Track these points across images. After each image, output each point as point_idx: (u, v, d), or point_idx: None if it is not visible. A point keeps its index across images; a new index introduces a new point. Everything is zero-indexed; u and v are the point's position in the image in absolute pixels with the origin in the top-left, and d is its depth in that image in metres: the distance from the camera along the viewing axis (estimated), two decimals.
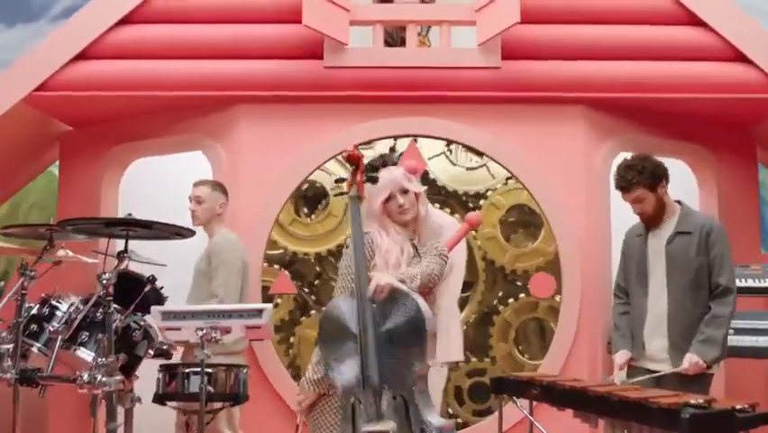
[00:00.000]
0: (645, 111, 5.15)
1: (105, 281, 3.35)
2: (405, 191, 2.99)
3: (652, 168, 3.69)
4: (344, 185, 2.98)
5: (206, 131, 5.15)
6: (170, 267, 4.25)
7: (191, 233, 3.85)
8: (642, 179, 3.66)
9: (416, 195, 3.02)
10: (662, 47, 5.04)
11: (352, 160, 2.96)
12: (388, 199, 2.99)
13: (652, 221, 3.74)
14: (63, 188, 5.58)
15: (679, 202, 3.80)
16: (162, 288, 3.88)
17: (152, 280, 3.69)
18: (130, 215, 3.67)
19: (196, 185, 4.30)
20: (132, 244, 3.69)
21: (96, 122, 5.36)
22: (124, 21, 5.02)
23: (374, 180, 2.97)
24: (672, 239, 3.70)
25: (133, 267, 3.78)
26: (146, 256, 4.34)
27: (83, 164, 5.41)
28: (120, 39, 5.02)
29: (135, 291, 3.64)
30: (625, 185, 3.70)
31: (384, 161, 3.05)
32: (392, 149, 5.54)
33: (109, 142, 5.34)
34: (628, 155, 5.15)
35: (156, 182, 5.29)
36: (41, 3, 11.43)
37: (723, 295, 3.64)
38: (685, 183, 5.23)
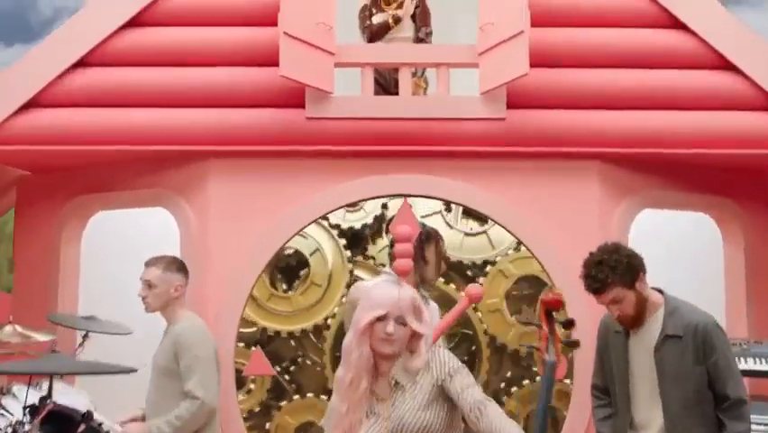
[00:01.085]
0: (666, 164, 4.56)
1: None
2: (403, 323, 2.33)
3: (626, 261, 3.07)
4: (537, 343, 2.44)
5: (173, 186, 4.58)
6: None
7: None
8: (617, 276, 3.04)
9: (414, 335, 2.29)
10: (687, 95, 4.47)
11: (551, 306, 2.30)
12: (379, 318, 2.28)
13: (634, 323, 3.10)
14: (19, 236, 5.02)
15: (660, 291, 3.17)
16: (101, 424, 3.33)
17: (87, 417, 3.19)
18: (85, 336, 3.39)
19: (146, 265, 3.64)
20: None
21: (54, 169, 4.77)
22: (82, 63, 4.44)
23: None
24: (660, 345, 3.08)
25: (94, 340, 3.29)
26: (108, 321, 3.96)
27: (42, 212, 4.84)
28: (77, 84, 4.45)
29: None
30: (598, 286, 3.05)
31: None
32: (384, 206, 4.95)
33: (70, 191, 4.76)
34: (648, 212, 4.56)
35: (121, 235, 4.78)
36: (41, 21, 11.25)
37: (735, 408, 3.04)
38: (707, 237, 4.74)
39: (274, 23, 4.20)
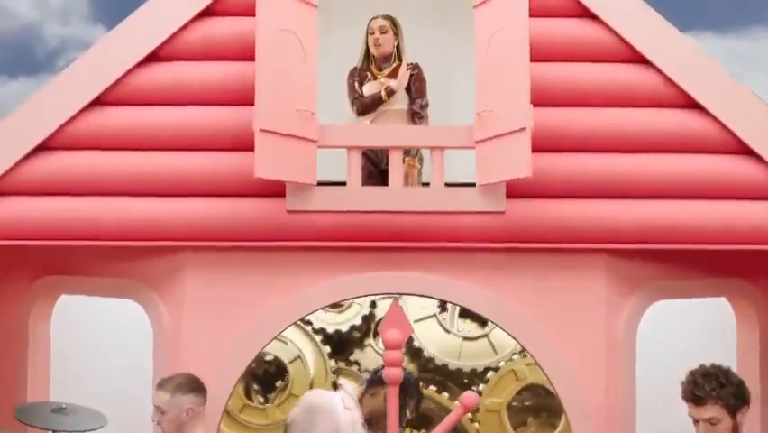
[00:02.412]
0: (679, 251, 4.16)
1: None
2: None
3: (737, 385, 2.96)
4: None
5: (144, 278, 4.22)
6: None
7: None
8: (723, 394, 2.90)
9: None
10: (703, 182, 4.09)
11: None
12: None
13: None
14: None
15: None
16: None
17: None
18: None
19: (157, 387, 3.62)
20: None
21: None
22: (44, 147, 4.06)
23: None
24: None
25: None
26: (83, 409, 3.82)
27: (8, 289, 4.39)
28: (38, 169, 4.05)
29: None
30: (701, 396, 2.89)
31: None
32: (372, 305, 4.53)
33: (37, 269, 4.35)
34: (659, 305, 4.09)
35: (92, 321, 4.53)
36: (47, 52, 10.99)
37: None
38: (719, 318, 4.43)
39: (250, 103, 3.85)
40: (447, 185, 4.13)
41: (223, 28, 4.12)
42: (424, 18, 4.78)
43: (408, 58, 4.51)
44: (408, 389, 3.83)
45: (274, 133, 3.72)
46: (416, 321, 4.60)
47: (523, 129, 3.67)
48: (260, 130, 3.66)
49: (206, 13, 4.12)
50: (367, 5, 4.64)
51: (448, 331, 4.70)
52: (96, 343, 4.42)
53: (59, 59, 10.74)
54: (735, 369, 4.39)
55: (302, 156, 3.91)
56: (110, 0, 9.66)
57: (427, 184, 4.21)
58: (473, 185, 4.05)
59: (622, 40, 4.12)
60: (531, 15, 3.80)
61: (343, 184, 4.10)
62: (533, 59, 3.81)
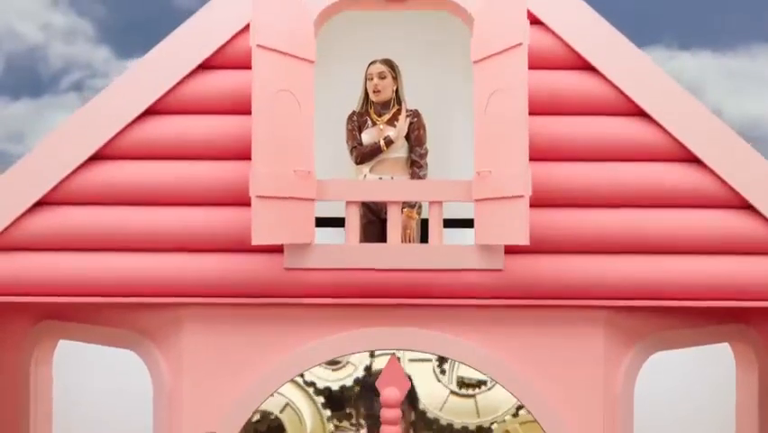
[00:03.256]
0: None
1: None
2: None
3: None
4: None
5: (143, 330, 4.24)
6: None
7: None
8: None
9: None
10: (706, 238, 4.04)
11: None
12: None
13: None
14: None
15: None
16: None
17: None
18: None
19: None
20: None
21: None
22: (42, 202, 4.05)
23: None
24: None
25: None
26: None
27: (9, 332, 4.40)
28: (35, 226, 4.05)
29: None
30: None
31: None
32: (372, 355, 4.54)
33: (37, 313, 4.35)
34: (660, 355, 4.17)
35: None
36: (51, 73, 10.96)
37: None
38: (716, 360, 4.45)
39: (249, 157, 3.83)
40: (446, 222, 4.13)
41: (221, 82, 4.09)
42: (422, 56, 4.72)
43: (407, 95, 4.49)
44: None
45: (271, 197, 3.71)
46: (411, 360, 4.59)
47: (521, 196, 3.64)
48: (257, 196, 3.64)
49: (205, 66, 4.10)
50: (366, 43, 4.62)
51: (438, 380, 4.68)
52: (100, 388, 4.44)
53: (63, 81, 10.70)
54: (734, 412, 4.43)
55: (300, 216, 3.89)
56: (115, 22, 9.61)
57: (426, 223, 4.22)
58: (471, 222, 4.06)
59: (621, 93, 4.07)
60: (530, 67, 3.76)
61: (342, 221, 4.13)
62: (531, 113, 3.78)
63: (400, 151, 4.40)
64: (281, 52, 3.76)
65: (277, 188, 3.73)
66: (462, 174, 4.34)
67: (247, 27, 3.90)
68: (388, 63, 4.46)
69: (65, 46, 10.50)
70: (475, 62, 3.94)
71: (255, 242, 3.65)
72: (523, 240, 3.64)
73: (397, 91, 4.47)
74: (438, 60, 4.79)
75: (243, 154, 3.87)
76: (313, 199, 3.95)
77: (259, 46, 3.66)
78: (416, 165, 4.40)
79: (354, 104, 4.55)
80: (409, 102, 4.49)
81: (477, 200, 3.93)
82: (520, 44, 3.64)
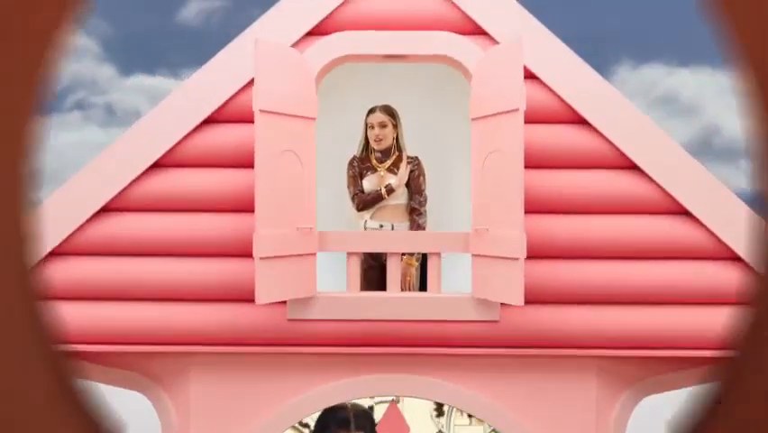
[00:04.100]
0: None
1: None
2: None
3: None
4: None
5: (151, 374, 4.36)
6: None
7: None
8: None
9: None
10: (699, 290, 4.14)
11: None
12: None
13: None
14: None
15: None
16: None
17: None
18: None
19: None
20: None
21: None
22: (52, 254, 4.16)
23: None
24: None
25: None
26: None
27: None
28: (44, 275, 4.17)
29: None
30: None
31: None
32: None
33: None
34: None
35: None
36: (57, 90, 11.07)
37: None
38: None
39: (252, 210, 3.95)
40: None
41: (225, 135, 4.20)
42: (421, 97, 4.81)
43: (407, 140, 4.60)
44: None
45: (274, 257, 3.83)
46: (413, 421, 4.71)
47: (516, 259, 3.75)
48: (260, 258, 3.76)
49: (209, 120, 4.20)
50: (365, 88, 4.71)
51: (431, 418, 4.81)
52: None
53: (69, 98, 10.75)
54: None
55: (302, 271, 4.01)
56: (120, 41, 9.66)
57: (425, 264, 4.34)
58: None
59: (614, 147, 4.17)
60: (525, 121, 3.87)
61: None
62: (526, 166, 3.89)
63: (401, 198, 4.51)
64: (283, 114, 3.87)
65: (279, 249, 3.85)
66: (462, 218, 4.45)
67: (251, 83, 4.00)
68: (388, 111, 4.55)
69: (70, 64, 10.55)
70: (473, 119, 4.04)
71: (259, 302, 3.78)
72: (517, 301, 3.76)
73: (397, 138, 4.57)
74: (438, 105, 4.86)
75: (248, 207, 4.00)
76: (314, 254, 4.07)
77: (261, 111, 3.76)
78: (415, 212, 4.51)
79: (346, 141, 4.67)
80: (410, 146, 4.59)
81: (474, 255, 4.05)
82: (517, 109, 3.75)
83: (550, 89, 4.15)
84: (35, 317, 1.47)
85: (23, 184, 1.36)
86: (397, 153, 4.57)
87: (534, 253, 3.99)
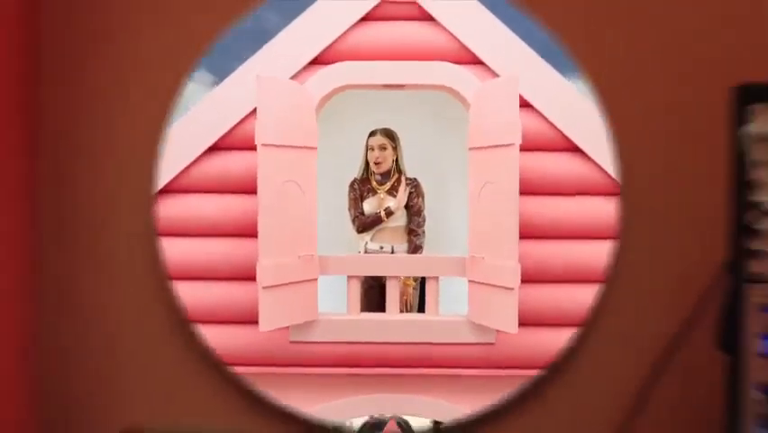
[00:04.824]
0: None
1: None
2: None
3: None
4: None
5: None
6: None
7: None
8: None
9: None
10: None
11: None
12: None
13: None
14: None
15: None
16: None
17: None
18: None
19: None
20: None
21: None
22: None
23: None
24: None
25: None
26: None
27: None
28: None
29: None
30: None
31: None
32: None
33: None
34: None
35: None
36: None
37: None
38: None
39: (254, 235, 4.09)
40: None
41: (231, 162, 4.31)
42: (422, 122, 4.91)
43: (409, 165, 4.72)
44: None
45: (277, 286, 3.96)
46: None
47: (511, 289, 3.89)
48: (263, 287, 3.90)
49: (215, 147, 4.32)
50: (368, 108, 4.82)
51: None
52: None
53: None
54: None
55: (304, 296, 4.15)
56: None
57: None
58: None
59: (607, 174, 4.28)
60: (521, 149, 3.97)
61: None
62: (521, 193, 4.01)
63: (399, 220, 4.64)
64: (285, 146, 3.98)
65: (282, 277, 3.99)
66: (460, 239, 4.57)
67: (254, 111, 4.11)
68: (388, 134, 4.66)
69: None
70: (470, 149, 4.15)
71: (263, 329, 3.93)
72: (512, 329, 3.90)
73: (397, 160, 4.68)
74: (437, 129, 4.96)
75: (253, 232, 4.13)
76: (316, 279, 4.20)
77: (263, 145, 3.88)
78: (413, 234, 4.63)
79: (346, 164, 4.79)
80: (409, 168, 4.71)
81: (470, 281, 4.18)
82: (512, 144, 3.86)
83: (544, 118, 4.25)
84: None
85: None
86: (396, 175, 4.68)
87: (527, 278, 4.11)
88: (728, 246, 2.65)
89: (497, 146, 3.95)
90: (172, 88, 3.62)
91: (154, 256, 3.67)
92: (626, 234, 3.54)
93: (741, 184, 2.49)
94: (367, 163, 4.71)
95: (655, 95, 3.45)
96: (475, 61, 4.19)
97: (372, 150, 4.65)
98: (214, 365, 3.78)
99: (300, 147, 4.07)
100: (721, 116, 2.66)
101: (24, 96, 3.48)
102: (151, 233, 3.65)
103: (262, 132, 3.89)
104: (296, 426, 3.71)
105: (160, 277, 3.68)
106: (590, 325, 3.64)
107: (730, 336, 2.55)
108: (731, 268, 2.54)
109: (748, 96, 2.44)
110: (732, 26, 3.39)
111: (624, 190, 3.48)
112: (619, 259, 3.56)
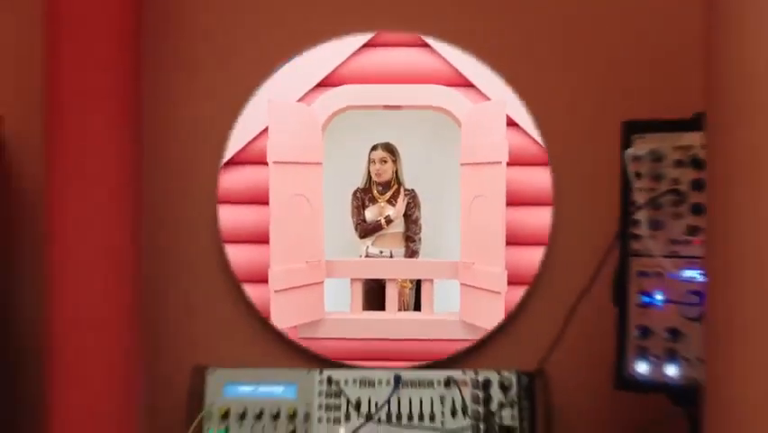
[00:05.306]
0: None
1: None
2: None
3: None
4: None
5: None
6: None
7: None
8: None
9: None
10: None
11: None
12: None
13: None
14: None
15: None
16: None
17: None
18: None
19: None
20: None
21: None
22: None
23: None
24: None
25: None
26: None
27: None
28: None
29: None
30: None
31: None
32: None
33: None
34: None
35: None
36: None
37: None
38: None
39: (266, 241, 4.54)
40: None
41: (244, 176, 4.75)
42: (421, 139, 5.32)
43: (407, 177, 5.15)
44: None
45: (287, 289, 4.41)
46: None
47: (498, 293, 4.33)
48: (275, 291, 4.35)
49: (230, 162, 4.75)
50: (371, 126, 5.24)
51: None
52: None
53: None
54: None
55: (312, 298, 4.59)
56: None
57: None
58: None
59: None
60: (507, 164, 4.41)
61: None
62: (507, 204, 4.45)
63: (398, 227, 5.08)
64: (293, 162, 4.42)
65: (291, 281, 4.43)
66: (453, 245, 4.99)
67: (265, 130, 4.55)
68: (389, 148, 5.09)
69: None
70: (462, 164, 4.58)
71: (273, 323, 4.38)
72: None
73: (396, 172, 5.12)
74: (435, 146, 5.34)
75: (264, 239, 4.58)
76: (322, 282, 4.64)
77: (274, 162, 4.31)
78: (410, 240, 5.08)
79: (351, 176, 5.23)
80: (409, 180, 5.14)
81: (462, 284, 4.61)
82: (500, 162, 4.29)
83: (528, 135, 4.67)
84: None
85: None
86: (396, 186, 5.12)
87: (513, 280, 4.55)
88: (618, 228, 3.57)
89: (486, 163, 4.38)
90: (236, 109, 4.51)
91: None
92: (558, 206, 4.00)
93: (625, 188, 3.52)
94: (369, 175, 5.15)
95: (582, 122, 4.49)
96: (467, 84, 4.59)
97: (374, 162, 5.08)
98: (257, 319, 4.56)
99: (307, 163, 4.50)
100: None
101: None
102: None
103: (273, 150, 4.33)
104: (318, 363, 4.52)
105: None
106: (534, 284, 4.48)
107: (619, 293, 3.54)
108: (620, 244, 3.53)
109: (630, 129, 3.51)
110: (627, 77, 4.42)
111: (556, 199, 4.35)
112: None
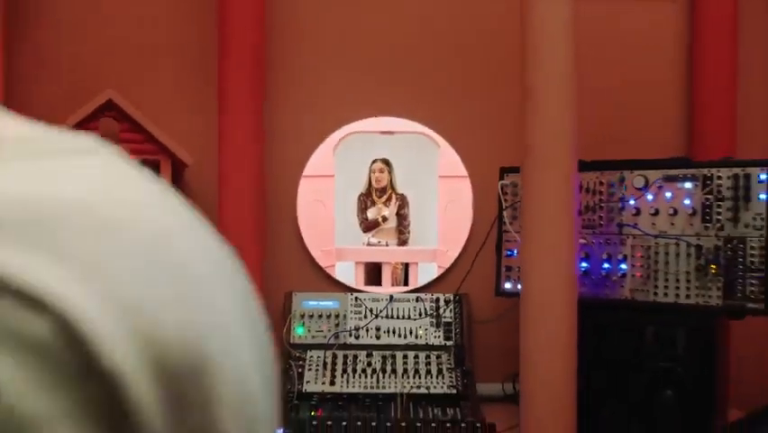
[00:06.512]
0: None
1: None
2: None
3: None
4: None
5: None
6: None
7: None
8: None
9: None
10: None
11: None
12: None
13: None
14: None
15: None
16: None
17: None
18: None
19: None
20: None
21: None
22: None
23: None
24: None
25: None
26: None
27: None
28: None
29: None
30: None
31: None
32: None
33: None
34: None
35: None
36: None
37: None
38: None
39: None
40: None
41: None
42: (409, 155, 6.83)
43: (399, 184, 6.67)
44: None
45: None
46: None
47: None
48: None
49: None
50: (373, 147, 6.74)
51: None
52: None
53: None
54: None
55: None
56: None
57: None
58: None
59: None
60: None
61: None
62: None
63: (392, 223, 6.59)
64: (314, 176, 5.94)
65: None
66: (433, 236, 6.52)
67: None
68: (385, 162, 6.60)
69: None
70: (440, 177, 6.10)
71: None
72: None
73: (391, 180, 6.64)
74: (421, 161, 6.85)
75: None
76: (334, 265, 6.18)
77: (303, 176, 5.85)
78: (401, 233, 6.60)
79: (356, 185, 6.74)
80: (401, 186, 6.65)
81: (439, 266, 6.15)
82: (467, 176, 5.81)
83: None
84: None
85: None
86: (390, 191, 6.62)
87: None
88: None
89: (457, 176, 5.90)
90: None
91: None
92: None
93: (500, 206, 4.90)
94: (370, 182, 6.66)
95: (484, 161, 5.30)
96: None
97: (374, 172, 6.60)
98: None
99: (323, 176, 6.02)
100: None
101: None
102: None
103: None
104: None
105: None
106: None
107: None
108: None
109: (504, 171, 4.90)
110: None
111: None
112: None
